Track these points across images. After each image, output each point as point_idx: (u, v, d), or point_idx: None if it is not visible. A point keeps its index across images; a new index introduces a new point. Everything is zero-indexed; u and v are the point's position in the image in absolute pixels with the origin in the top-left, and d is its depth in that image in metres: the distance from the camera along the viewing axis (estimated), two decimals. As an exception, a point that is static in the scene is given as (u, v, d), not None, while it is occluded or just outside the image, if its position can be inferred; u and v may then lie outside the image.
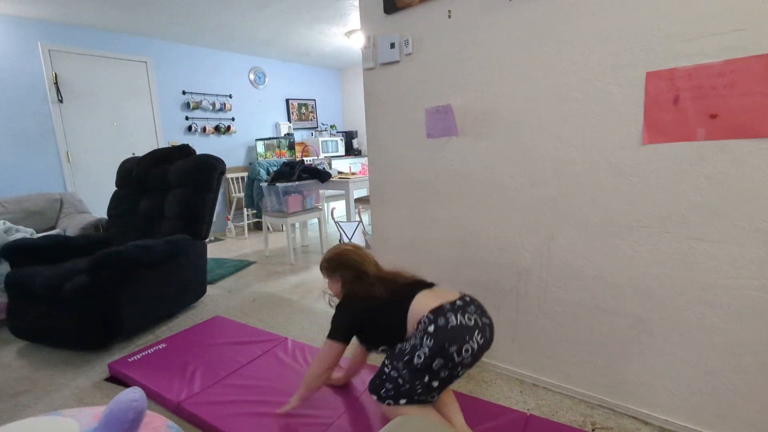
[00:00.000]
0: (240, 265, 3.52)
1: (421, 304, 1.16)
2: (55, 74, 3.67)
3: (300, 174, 3.64)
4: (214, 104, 4.85)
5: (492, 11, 1.50)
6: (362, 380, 1.62)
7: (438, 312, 1.11)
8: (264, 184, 3.72)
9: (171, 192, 2.66)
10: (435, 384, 1.10)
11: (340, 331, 1.28)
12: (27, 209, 3.18)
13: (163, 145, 4.45)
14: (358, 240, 3.54)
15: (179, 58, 4.56)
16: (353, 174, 3.91)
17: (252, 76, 5.27)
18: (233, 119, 5.09)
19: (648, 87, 1.23)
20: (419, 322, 1.13)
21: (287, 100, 5.75)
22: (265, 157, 5.13)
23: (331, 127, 6.27)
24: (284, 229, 4.00)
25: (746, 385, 1.20)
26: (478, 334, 1.09)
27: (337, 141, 5.87)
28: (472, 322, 1.09)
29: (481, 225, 1.68)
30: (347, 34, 4.43)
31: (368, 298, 1.25)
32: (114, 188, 2.99)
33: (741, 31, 1.07)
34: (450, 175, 1.74)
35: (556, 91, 1.40)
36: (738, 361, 1.20)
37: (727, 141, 1.13)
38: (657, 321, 1.32)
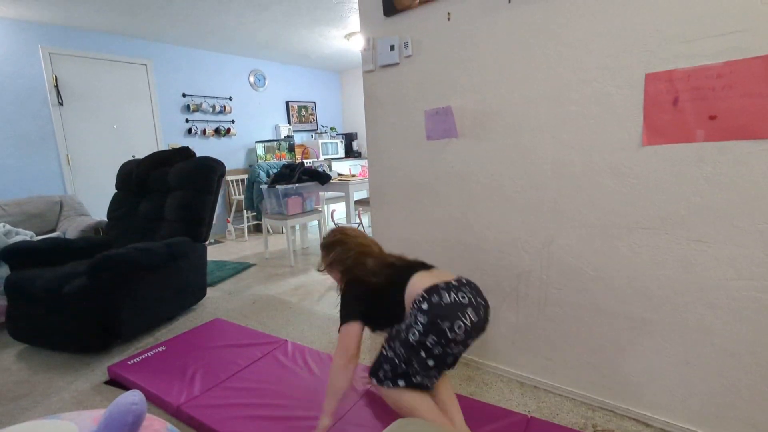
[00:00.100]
0: (240, 268, 3.51)
1: (417, 284, 1.17)
2: (56, 77, 3.68)
3: (300, 176, 3.64)
4: (214, 107, 4.86)
5: (491, 13, 1.51)
6: (362, 382, 1.61)
7: (432, 290, 1.12)
8: (264, 187, 3.72)
9: (171, 194, 2.66)
10: (431, 363, 1.10)
11: (351, 312, 1.24)
12: (27, 212, 3.18)
13: (163, 147, 4.45)
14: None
15: (179, 61, 4.57)
16: (353, 176, 3.91)
17: (252, 79, 5.28)
18: (233, 122, 5.09)
19: (647, 88, 1.23)
20: (414, 301, 1.14)
21: (287, 103, 5.76)
22: (265, 160, 5.13)
23: (331, 129, 6.28)
24: (284, 231, 4.00)
25: (747, 386, 1.19)
26: (471, 311, 1.09)
27: (337, 143, 5.88)
28: (466, 300, 1.10)
29: (480, 226, 1.68)
30: (347, 37, 4.44)
31: (368, 281, 1.25)
32: (114, 191, 2.99)
33: (740, 32, 1.08)
34: (450, 177, 1.74)
35: (556, 93, 1.41)
36: (738, 363, 1.20)
37: (726, 142, 1.13)
38: (657, 322, 1.32)
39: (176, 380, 1.69)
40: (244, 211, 4.84)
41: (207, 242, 2.72)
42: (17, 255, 2.30)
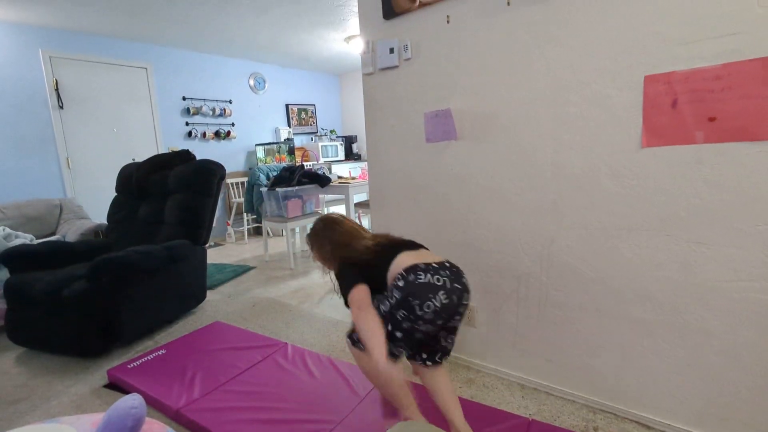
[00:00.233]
0: (240, 270, 3.51)
1: (399, 263, 1.20)
2: (56, 80, 3.69)
3: (300, 179, 3.64)
4: (214, 110, 4.87)
5: (490, 16, 1.51)
6: (363, 386, 1.61)
7: (411, 270, 1.15)
8: (264, 189, 3.73)
9: (171, 197, 2.66)
10: (398, 335, 1.13)
11: (352, 281, 1.23)
12: (27, 215, 3.18)
13: (163, 150, 4.46)
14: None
15: (179, 64, 4.58)
16: (353, 178, 3.91)
17: (252, 82, 5.29)
18: (233, 124, 5.10)
19: (646, 90, 1.23)
20: (394, 278, 1.18)
21: (287, 105, 5.77)
22: (265, 162, 5.14)
23: (331, 131, 6.29)
24: (284, 233, 4.00)
25: (748, 388, 1.19)
26: (442, 293, 1.12)
27: (336, 146, 5.88)
28: (440, 282, 1.13)
29: (480, 228, 1.68)
30: (347, 40, 4.45)
31: (358, 258, 1.28)
32: (114, 194, 2.99)
33: (738, 34, 1.08)
34: (449, 179, 1.75)
35: (555, 95, 1.41)
36: (739, 364, 1.19)
37: (725, 144, 1.13)
38: (657, 324, 1.32)
39: (176, 383, 1.68)
40: (244, 214, 4.84)
41: (207, 245, 2.72)
42: (17, 258, 2.30)
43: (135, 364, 1.86)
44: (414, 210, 1.90)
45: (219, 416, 1.46)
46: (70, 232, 3.09)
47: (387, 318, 1.14)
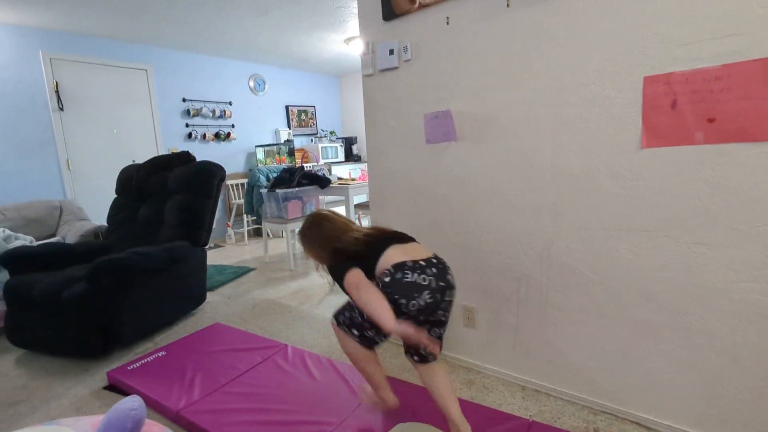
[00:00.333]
0: (240, 272, 3.51)
1: (388, 259, 1.21)
2: (56, 82, 3.69)
3: (300, 180, 3.64)
4: (214, 111, 4.87)
5: (490, 17, 1.51)
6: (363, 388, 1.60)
7: (398, 267, 1.17)
8: (264, 191, 3.73)
9: (171, 199, 2.66)
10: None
11: (345, 266, 1.24)
12: (27, 217, 3.18)
13: (163, 152, 4.46)
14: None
15: (179, 66, 4.59)
16: (353, 180, 3.91)
17: (252, 83, 5.29)
18: (233, 126, 5.11)
19: (646, 91, 1.23)
20: (382, 273, 1.20)
21: (287, 107, 5.78)
22: (265, 164, 5.14)
23: (331, 133, 6.29)
24: (284, 235, 4.00)
25: (749, 389, 1.19)
26: (427, 293, 1.14)
27: (336, 147, 5.88)
28: (426, 282, 1.15)
29: (480, 230, 1.68)
30: (346, 41, 4.46)
31: (349, 250, 1.29)
32: (114, 195, 2.99)
33: (737, 35, 1.08)
34: (449, 180, 1.75)
35: (555, 96, 1.41)
36: (741, 365, 1.19)
37: (725, 145, 1.13)
38: (659, 325, 1.31)
39: (176, 385, 1.68)
40: (244, 216, 4.84)
41: (207, 246, 2.72)
42: (17, 260, 2.30)
43: (135, 365, 1.85)
44: (414, 211, 1.90)
45: (219, 418, 1.46)
46: (70, 233, 3.09)
47: None
